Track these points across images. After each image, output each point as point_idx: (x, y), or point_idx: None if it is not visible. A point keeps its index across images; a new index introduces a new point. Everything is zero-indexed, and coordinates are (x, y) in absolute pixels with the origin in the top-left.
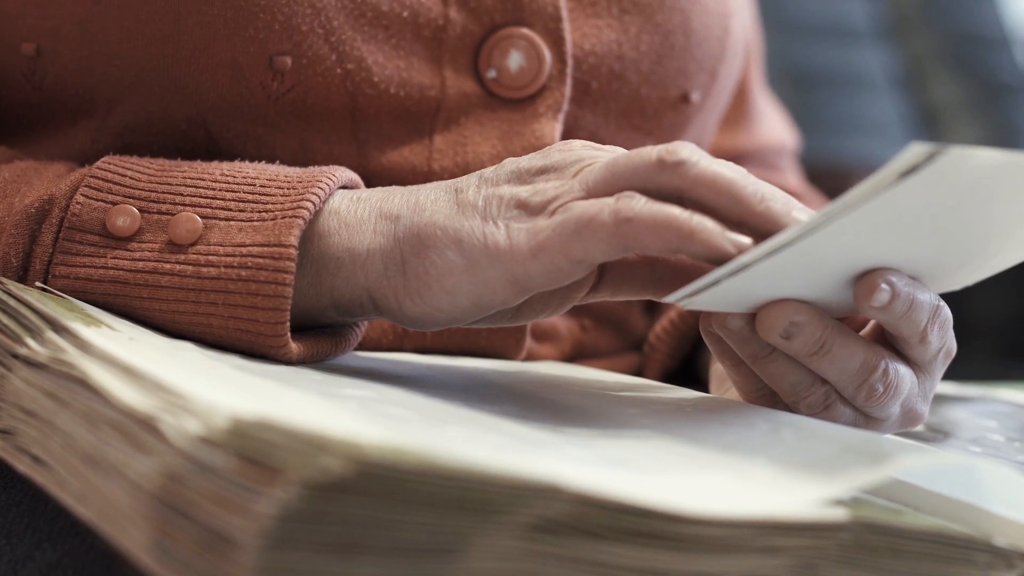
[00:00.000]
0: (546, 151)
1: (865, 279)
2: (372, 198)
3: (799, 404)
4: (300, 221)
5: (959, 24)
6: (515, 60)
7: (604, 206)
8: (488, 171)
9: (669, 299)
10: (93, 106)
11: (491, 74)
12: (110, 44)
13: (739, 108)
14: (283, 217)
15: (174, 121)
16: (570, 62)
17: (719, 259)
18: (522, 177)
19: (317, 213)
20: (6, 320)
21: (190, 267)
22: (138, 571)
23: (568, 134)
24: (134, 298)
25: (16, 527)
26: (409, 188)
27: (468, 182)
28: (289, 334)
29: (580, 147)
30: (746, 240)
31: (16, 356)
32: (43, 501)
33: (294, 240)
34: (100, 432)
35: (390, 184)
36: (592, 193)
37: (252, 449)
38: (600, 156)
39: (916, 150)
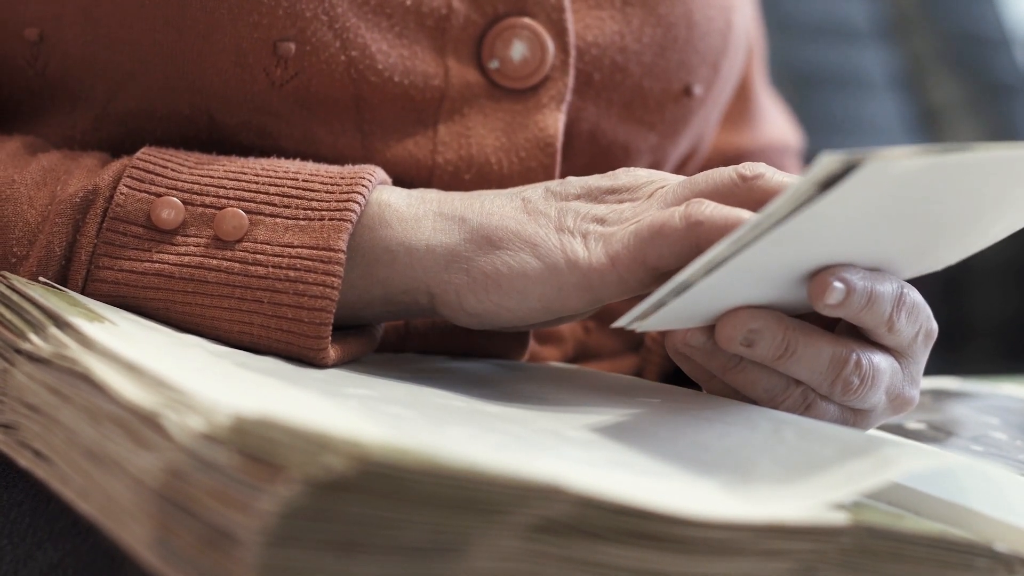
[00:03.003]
0: (611, 173)
1: (817, 278)
2: (427, 197)
3: (778, 408)
4: (347, 224)
5: (959, 24)
6: (518, 50)
7: (674, 211)
8: (552, 185)
9: (617, 324)
10: (95, 92)
11: (494, 64)
12: (113, 30)
13: (742, 106)
14: (330, 219)
15: (177, 108)
16: (573, 53)
17: None
18: (593, 195)
19: (364, 208)
20: (9, 315)
21: (237, 264)
22: (140, 570)
23: (571, 126)
24: (177, 292)
25: (18, 527)
26: (465, 193)
27: (534, 193)
28: (330, 338)
29: (645, 172)
30: None
31: (19, 351)
32: (45, 500)
33: (342, 244)
34: (102, 428)
35: (395, 178)
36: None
37: (254, 446)
38: (669, 179)
39: (830, 160)
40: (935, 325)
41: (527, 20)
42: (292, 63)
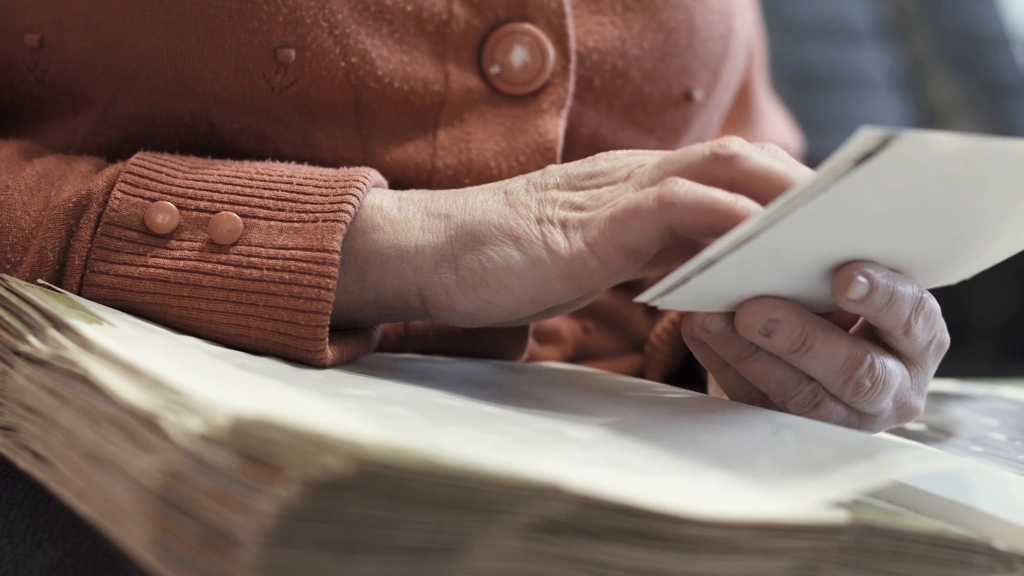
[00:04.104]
0: (591, 159)
1: (841, 271)
2: (416, 198)
3: (787, 403)
4: (342, 225)
5: (959, 24)
6: (519, 56)
7: (648, 193)
8: (534, 176)
9: (641, 298)
10: (96, 97)
11: (494, 70)
12: (113, 35)
13: (742, 110)
14: (324, 220)
15: (177, 113)
16: (573, 58)
17: None
18: (572, 182)
19: (358, 211)
20: (8, 317)
21: (232, 268)
22: (139, 571)
23: (571, 131)
24: (173, 297)
25: (17, 527)
26: (452, 191)
27: (516, 185)
28: (327, 339)
29: (624, 154)
30: None
31: (18, 353)
32: (44, 500)
33: (337, 245)
34: (101, 429)
35: (394, 182)
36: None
37: (253, 447)
38: (647, 159)
39: (868, 135)
40: (948, 337)
41: (528, 26)
42: (292, 69)
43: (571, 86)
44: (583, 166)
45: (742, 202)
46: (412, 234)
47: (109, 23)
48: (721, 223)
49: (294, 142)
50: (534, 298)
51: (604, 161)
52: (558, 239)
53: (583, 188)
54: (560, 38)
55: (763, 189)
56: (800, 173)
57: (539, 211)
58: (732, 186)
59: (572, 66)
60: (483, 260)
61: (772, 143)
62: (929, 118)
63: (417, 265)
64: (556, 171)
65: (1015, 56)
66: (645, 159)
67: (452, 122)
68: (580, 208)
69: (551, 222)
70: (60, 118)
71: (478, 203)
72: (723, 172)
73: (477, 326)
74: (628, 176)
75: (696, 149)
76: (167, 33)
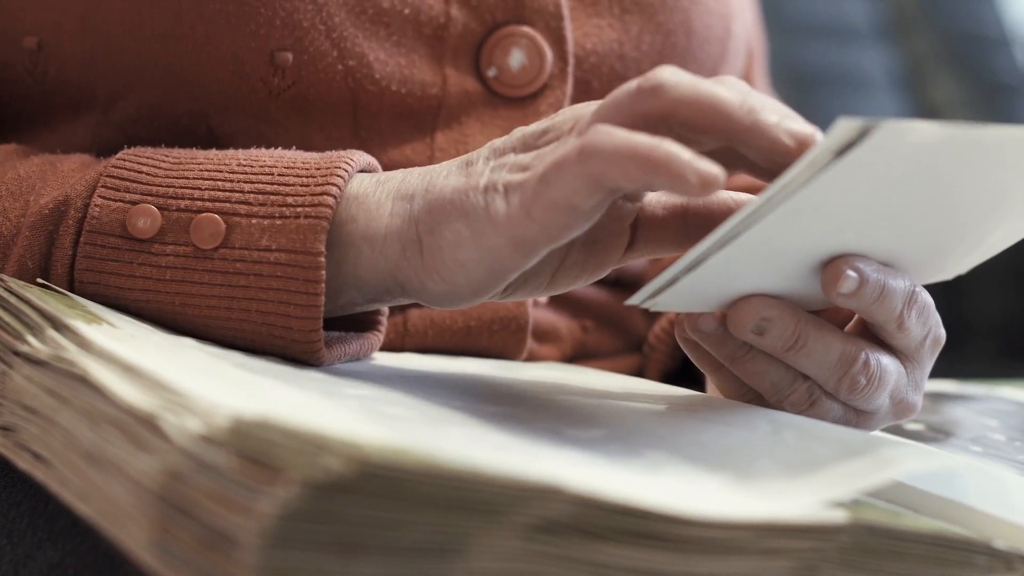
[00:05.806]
0: (552, 115)
1: (831, 266)
2: (391, 180)
3: (783, 403)
4: (324, 223)
5: (959, 24)
6: (516, 58)
7: (573, 145)
8: (498, 140)
9: (631, 302)
10: (94, 100)
11: (492, 72)
12: (112, 38)
13: None
14: (305, 216)
15: (175, 116)
16: (571, 61)
17: (687, 194)
18: (527, 142)
19: (339, 202)
20: (7, 317)
21: (219, 275)
22: (139, 571)
23: None
24: (166, 305)
25: (17, 527)
26: (426, 168)
27: (479, 154)
28: (323, 340)
29: (582, 106)
30: (714, 170)
31: (17, 353)
32: (44, 500)
33: (321, 247)
34: (101, 430)
35: None
36: None
37: (253, 448)
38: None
39: (847, 125)
40: (943, 332)
41: (525, 28)
42: (289, 72)
43: (569, 88)
44: (541, 124)
45: (664, 147)
46: (382, 220)
47: (107, 27)
48: (643, 175)
49: (292, 145)
50: (489, 270)
51: (560, 115)
52: (499, 206)
53: (535, 147)
54: (558, 40)
55: (695, 118)
56: (738, 93)
57: (489, 178)
58: (667, 120)
59: (570, 68)
60: (440, 240)
61: (733, 77)
62: (929, 118)
63: (387, 253)
64: (517, 132)
65: (1015, 56)
66: (591, 109)
67: (450, 124)
68: (524, 169)
69: (495, 188)
70: (60, 121)
71: (439, 179)
72: (652, 106)
73: (455, 308)
74: (572, 128)
75: (625, 86)
76: (165, 36)
